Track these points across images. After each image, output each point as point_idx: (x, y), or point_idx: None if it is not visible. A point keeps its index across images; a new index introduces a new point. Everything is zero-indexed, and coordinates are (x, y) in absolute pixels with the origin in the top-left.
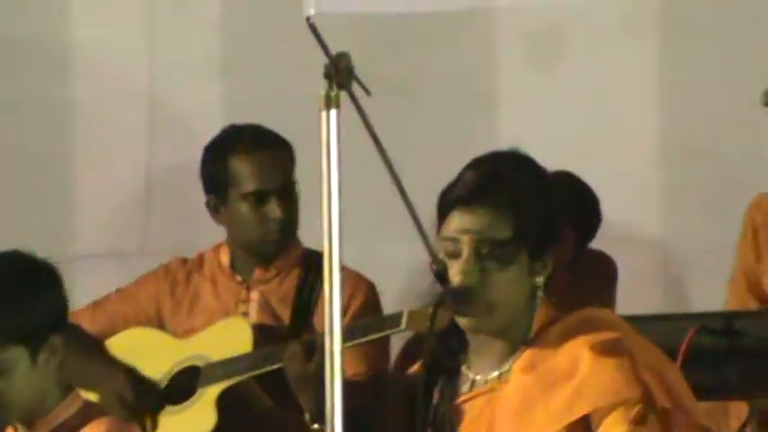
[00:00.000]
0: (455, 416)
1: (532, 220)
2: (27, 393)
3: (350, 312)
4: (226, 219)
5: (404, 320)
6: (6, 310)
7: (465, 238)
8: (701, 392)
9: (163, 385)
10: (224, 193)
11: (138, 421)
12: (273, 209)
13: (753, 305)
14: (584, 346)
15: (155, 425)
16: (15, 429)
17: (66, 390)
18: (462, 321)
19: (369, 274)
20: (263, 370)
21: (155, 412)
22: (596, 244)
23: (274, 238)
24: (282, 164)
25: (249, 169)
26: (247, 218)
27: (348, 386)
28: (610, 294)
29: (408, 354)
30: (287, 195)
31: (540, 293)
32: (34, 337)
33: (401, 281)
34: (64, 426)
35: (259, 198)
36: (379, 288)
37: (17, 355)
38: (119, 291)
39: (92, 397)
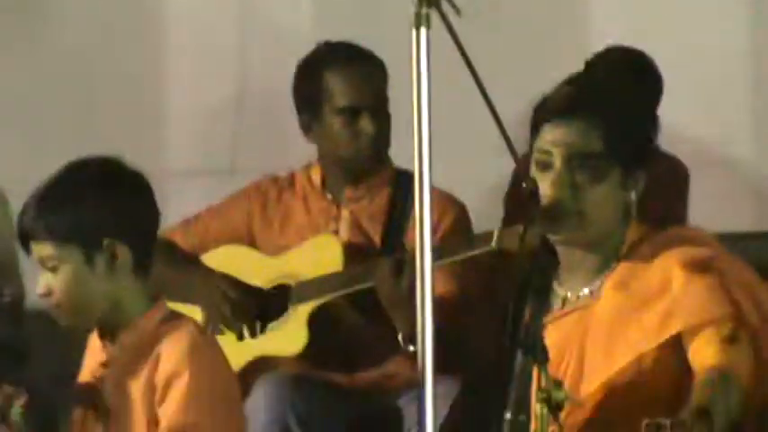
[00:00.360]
0: (547, 333)
1: (626, 134)
2: (89, 295)
3: (439, 233)
4: (318, 136)
5: (495, 239)
6: (64, 209)
7: (557, 151)
8: None
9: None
10: (317, 109)
11: (242, 322)
12: (366, 124)
13: None
14: (676, 263)
15: (263, 329)
16: (101, 335)
17: (153, 301)
18: (556, 237)
19: (460, 193)
20: (355, 288)
21: (258, 316)
22: (691, 161)
23: (367, 154)
24: (376, 80)
25: (342, 85)
26: (340, 133)
27: (439, 305)
28: (683, 200)
29: (500, 276)
30: (379, 111)
31: (632, 210)
32: (88, 239)
33: (492, 200)
34: (149, 333)
35: (352, 113)
36: (470, 207)
37: (68, 254)
38: (210, 208)
39: (189, 309)
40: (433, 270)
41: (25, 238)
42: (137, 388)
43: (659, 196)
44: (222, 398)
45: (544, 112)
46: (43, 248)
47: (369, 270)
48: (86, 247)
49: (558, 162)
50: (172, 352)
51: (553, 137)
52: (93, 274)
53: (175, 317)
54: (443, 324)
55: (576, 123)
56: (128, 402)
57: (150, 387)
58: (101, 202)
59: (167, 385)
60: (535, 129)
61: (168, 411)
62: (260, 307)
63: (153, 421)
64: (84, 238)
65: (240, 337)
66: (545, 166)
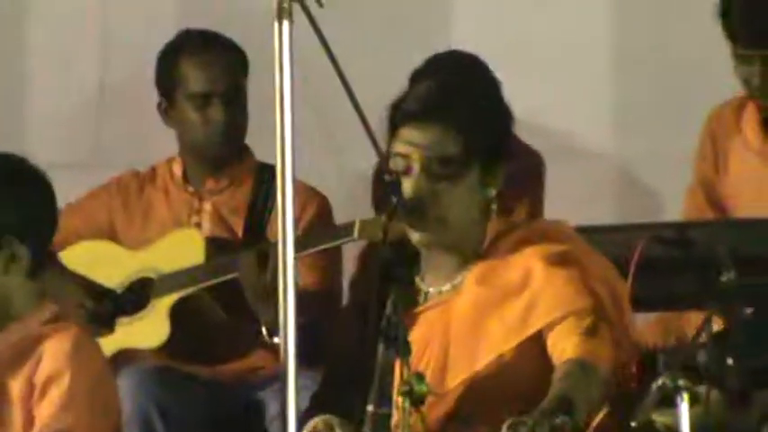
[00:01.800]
0: (408, 326)
1: (483, 135)
2: None
3: (301, 224)
4: (174, 121)
5: (356, 230)
6: None
7: (415, 155)
8: (654, 303)
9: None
10: (173, 94)
11: (96, 326)
12: (217, 112)
13: (710, 216)
14: (536, 257)
15: (111, 330)
16: None
17: (38, 300)
18: (414, 237)
19: (323, 185)
20: (216, 281)
21: (112, 318)
22: (553, 155)
23: (218, 141)
24: (230, 67)
25: (196, 70)
26: (192, 119)
27: (303, 297)
28: (538, 189)
29: (365, 265)
30: (233, 99)
31: (493, 206)
32: None
33: (354, 192)
34: (33, 332)
35: (204, 99)
36: (333, 199)
37: None
38: (71, 204)
39: None
40: (296, 262)
41: None
42: (17, 387)
43: (513, 185)
44: (100, 402)
45: (402, 115)
46: None
47: (231, 262)
48: None
49: (416, 166)
50: (54, 352)
51: (411, 140)
52: None
53: (60, 318)
54: (307, 316)
55: (433, 126)
56: (7, 400)
57: (29, 386)
58: (6, 200)
59: (46, 385)
60: (392, 129)
61: (44, 413)
62: (115, 309)
63: (29, 421)
64: None
65: None
66: (404, 171)
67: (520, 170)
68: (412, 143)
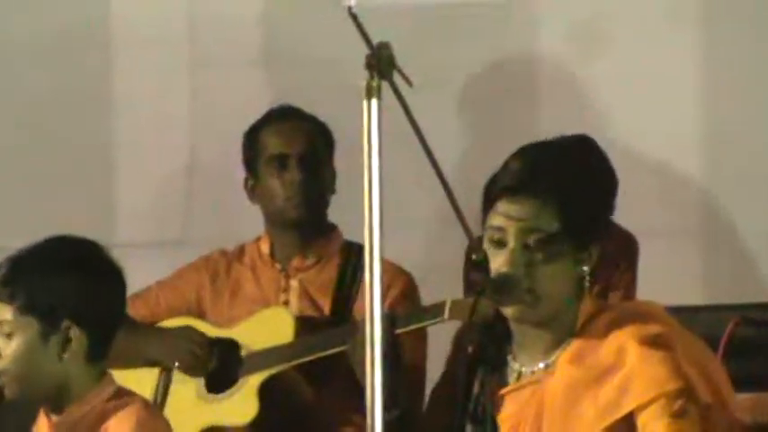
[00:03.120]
0: (499, 407)
1: (579, 212)
2: (36, 371)
3: (387, 302)
4: (258, 195)
5: (447, 310)
6: (34, 280)
7: (511, 228)
8: (743, 384)
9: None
10: (255, 166)
11: (207, 360)
12: (293, 173)
13: None
14: (630, 338)
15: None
16: (47, 414)
17: (100, 378)
18: (507, 311)
19: (410, 265)
20: (306, 359)
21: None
22: (643, 236)
23: (295, 203)
24: (306, 133)
25: (274, 136)
26: (271, 184)
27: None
28: (632, 273)
29: (460, 346)
30: (309, 162)
31: (586, 284)
32: (47, 315)
33: (443, 272)
34: (97, 410)
35: (280, 162)
36: (420, 282)
37: (26, 324)
38: (159, 282)
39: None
40: (384, 340)
41: None
42: None
43: (608, 268)
44: None
45: (497, 189)
46: (2, 311)
47: (320, 341)
48: (44, 324)
49: (511, 240)
50: (119, 429)
51: (507, 213)
52: (44, 352)
53: (123, 394)
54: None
55: (530, 200)
56: None
57: None
58: (70, 284)
59: None
60: (488, 206)
61: None
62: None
63: None
64: (44, 313)
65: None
66: (498, 244)
67: (616, 251)
68: (508, 216)
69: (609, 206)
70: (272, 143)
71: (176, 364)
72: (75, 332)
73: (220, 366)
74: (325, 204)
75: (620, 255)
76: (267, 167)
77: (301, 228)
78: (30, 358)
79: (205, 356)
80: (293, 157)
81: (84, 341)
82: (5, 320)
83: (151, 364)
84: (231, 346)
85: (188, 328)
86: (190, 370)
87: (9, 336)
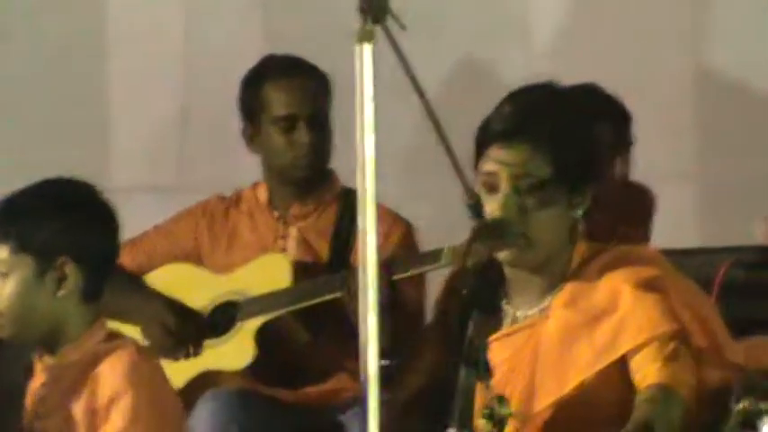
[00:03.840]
0: (495, 350)
1: (572, 157)
2: (32, 309)
3: (386, 250)
4: (259, 147)
5: (444, 255)
6: (27, 219)
7: (504, 173)
8: (737, 327)
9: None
10: (257, 119)
11: (181, 347)
12: (302, 134)
13: None
14: (624, 281)
15: (197, 351)
16: (41, 357)
17: (93, 321)
18: (501, 255)
19: (405, 210)
20: (303, 304)
21: (198, 339)
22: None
23: (303, 164)
24: (314, 91)
25: (280, 94)
26: (277, 143)
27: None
28: (647, 227)
29: (450, 292)
30: (317, 123)
31: (579, 227)
32: (43, 252)
33: (438, 216)
34: (88, 354)
35: (288, 123)
36: (416, 224)
37: (21, 262)
38: (156, 227)
39: (131, 330)
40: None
41: None
42: (79, 410)
43: (623, 222)
44: (164, 418)
45: (489, 134)
46: None
47: (316, 286)
48: (39, 261)
49: (504, 184)
50: (111, 374)
51: (499, 159)
52: (40, 290)
53: (114, 337)
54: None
55: (522, 146)
56: (69, 424)
57: (90, 410)
58: (65, 222)
59: (108, 408)
60: (480, 150)
61: None
62: (201, 330)
63: None
64: (39, 250)
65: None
66: (491, 188)
67: (635, 207)
68: (500, 161)
69: (605, 149)
70: (279, 101)
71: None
72: (70, 268)
73: (216, 314)
74: (329, 158)
75: (634, 209)
76: (273, 125)
77: (303, 181)
78: (25, 297)
79: (175, 345)
80: (301, 118)
81: (80, 278)
82: (1, 260)
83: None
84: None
85: (165, 310)
86: (161, 354)
87: (5, 276)
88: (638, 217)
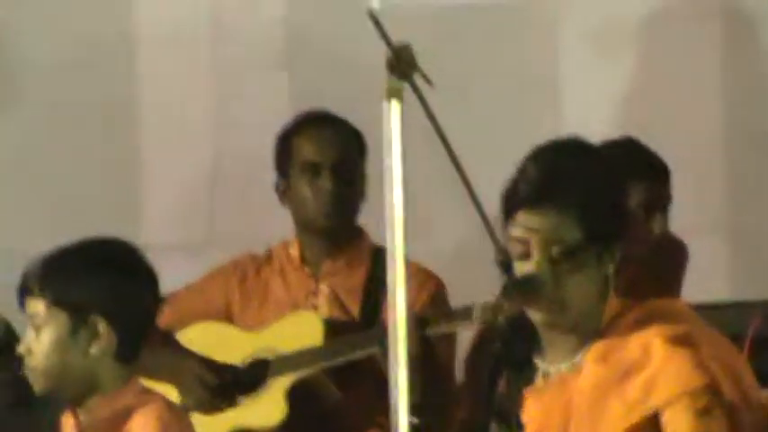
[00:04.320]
0: (527, 405)
1: (602, 219)
2: (65, 365)
3: (417, 307)
4: (289, 200)
5: (475, 312)
6: (65, 274)
7: (534, 240)
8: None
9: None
10: (288, 172)
11: (218, 401)
12: (326, 181)
13: None
14: (655, 336)
15: (232, 404)
16: (74, 414)
17: (128, 380)
18: (535, 317)
19: (436, 264)
20: (334, 362)
21: (233, 393)
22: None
23: (326, 211)
24: (341, 142)
25: (307, 143)
26: (303, 192)
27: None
28: (679, 281)
29: (479, 348)
30: (342, 172)
31: (610, 282)
32: (76, 309)
33: (468, 274)
34: (120, 409)
35: (314, 170)
36: (447, 278)
37: (56, 317)
38: (187, 286)
39: (165, 388)
40: (412, 342)
41: (22, 293)
42: None
43: (659, 277)
44: None
45: (516, 199)
46: (34, 305)
47: (348, 344)
48: (73, 317)
49: (535, 253)
50: (141, 427)
51: (528, 225)
52: (73, 345)
53: (147, 392)
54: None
55: (550, 212)
56: None
57: None
58: (100, 280)
59: None
60: (508, 213)
61: None
62: (236, 385)
63: None
64: (73, 306)
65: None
66: (522, 256)
67: (668, 260)
68: (529, 228)
69: (639, 206)
70: (306, 150)
71: (186, 402)
72: (103, 327)
73: (248, 371)
74: (356, 211)
75: (668, 263)
76: (300, 174)
77: (331, 234)
78: (59, 352)
79: (212, 399)
80: (326, 166)
81: (113, 338)
82: (37, 314)
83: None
84: (255, 367)
85: (200, 366)
86: (198, 409)
87: (39, 329)
88: (672, 270)
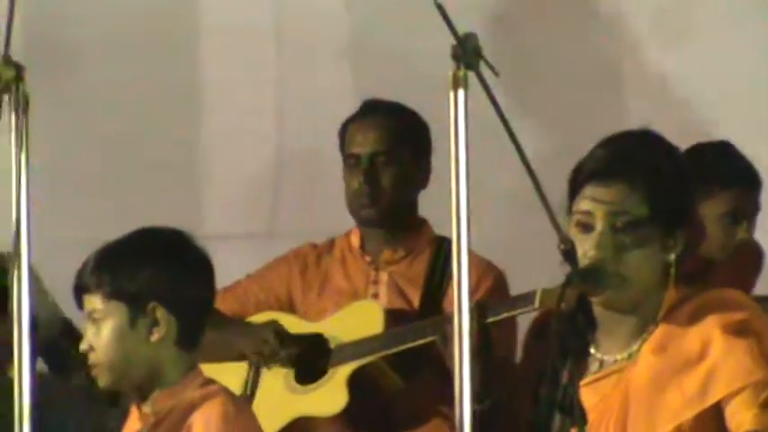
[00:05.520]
0: (583, 396)
1: (667, 197)
2: (127, 356)
3: (477, 297)
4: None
5: (537, 299)
6: (120, 267)
7: (599, 212)
8: None
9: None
10: (343, 162)
11: (286, 359)
12: (358, 173)
13: None
14: (715, 327)
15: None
16: (138, 406)
17: (190, 369)
18: (596, 300)
19: (496, 257)
20: (395, 350)
21: (296, 360)
22: None
23: (362, 203)
24: (382, 131)
25: (352, 132)
26: (347, 183)
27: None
28: (753, 284)
29: (537, 335)
30: (379, 162)
31: (672, 271)
32: (134, 299)
33: (528, 261)
34: (184, 402)
35: (355, 161)
36: (507, 272)
37: (114, 309)
38: (249, 275)
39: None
40: (474, 330)
41: (78, 291)
42: None
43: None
44: None
45: (585, 174)
46: (92, 301)
47: (409, 331)
48: (132, 308)
49: (599, 224)
50: (205, 424)
51: (595, 197)
52: (133, 336)
53: (210, 384)
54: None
55: (618, 185)
56: None
57: None
58: (156, 269)
59: None
60: (574, 191)
61: None
62: (304, 345)
63: None
64: (131, 297)
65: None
66: (586, 228)
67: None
68: (597, 200)
69: (693, 193)
70: (350, 140)
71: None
72: (161, 313)
73: (309, 358)
74: (406, 202)
75: (744, 267)
76: (346, 166)
77: (381, 224)
78: (120, 344)
79: (276, 347)
80: (363, 156)
81: (173, 325)
82: (94, 309)
83: (239, 358)
84: (319, 339)
85: (272, 322)
86: (262, 359)
87: (98, 324)
88: (749, 275)
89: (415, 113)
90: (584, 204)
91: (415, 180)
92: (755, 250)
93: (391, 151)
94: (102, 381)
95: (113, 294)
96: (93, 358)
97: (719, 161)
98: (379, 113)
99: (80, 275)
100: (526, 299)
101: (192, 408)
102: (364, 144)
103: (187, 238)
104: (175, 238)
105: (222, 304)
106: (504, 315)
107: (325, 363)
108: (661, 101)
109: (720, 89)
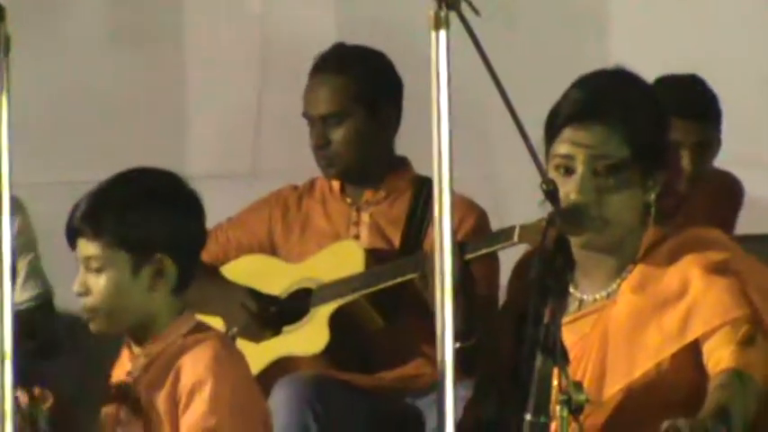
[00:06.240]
0: (563, 336)
1: (647, 138)
2: (126, 305)
3: (459, 236)
4: None
5: (516, 234)
6: (120, 213)
7: (580, 155)
8: None
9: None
10: None
11: (261, 330)
12: (313, 136)
13: None
14: (694, 265)
15: (277, 333)
16: (129, 347)
17: (181, 311)
18: (576, 241)
19: (479, 197)
20: (375, 288)
21: (278, 321)
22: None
23: (323, 164)
24: (331, 93)
25: (306, 91)
26: (311, 142)
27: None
28: (732, 218)
29: (520, 275)
30: (331, 125)
31: (651, 210)
32: (138, 248)
33: (510, 199)
34: (175, 345)
35: (308, 122)
36: (490, 211)
37: (117, 258)
38: (231, 219)
39: (211, 319)
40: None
41: (72, 234)
42: (161, 399)
43: (714, 212)
44: (245, 408)
45: (562, 117)
46: (90, 248)
47: (389, 270)
48: (136, 257)
49: (580, 167)
50: (194, 364)
51: (575, 140)
52: (135, 285)
53: (201, 328)
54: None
55: (597, 127)
56: (152, 412)
57: (172, 399)
58: (161, 217)
59: (189, 396)
60: (553, 133)
61: (189, 420)
62: (280, 314)
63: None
64: (136, 246)
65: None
66: (567, 171)
67: (721, 196)
68: (576, 143)
69: (668, 132)
70: (305, 98)
71: (233, 330)
72: (168, 263)
73: (288, 318)
74: (368, 156)
75: (721, 197)
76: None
77: (347, 180)
78: (120, 292)
79: (257, 326)
80: (316, 117)
81: (174, 271)
82: (93, 256)
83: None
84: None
85: (245, 295)
86: (245, 337)
87: (98, 270)
88: (724, 207)
89: (374, 61)
90: (563, 148)
91: (374, 135)
92: (734, 185)
93: (342, 111)
94: (96, 326)
95: (116, 243)
96: (88, 302)
97: (687, 92)
98: (330, 71)
99: (74, 219)
100: (505, 234)
101: (182, 350)
102: (315, 105)
103: (182, 181)
104: (172, 182)
105: (205, 248)
106: (484, 251)
107: (306, 303)
108: (644, 45)
109: (704, 33)
